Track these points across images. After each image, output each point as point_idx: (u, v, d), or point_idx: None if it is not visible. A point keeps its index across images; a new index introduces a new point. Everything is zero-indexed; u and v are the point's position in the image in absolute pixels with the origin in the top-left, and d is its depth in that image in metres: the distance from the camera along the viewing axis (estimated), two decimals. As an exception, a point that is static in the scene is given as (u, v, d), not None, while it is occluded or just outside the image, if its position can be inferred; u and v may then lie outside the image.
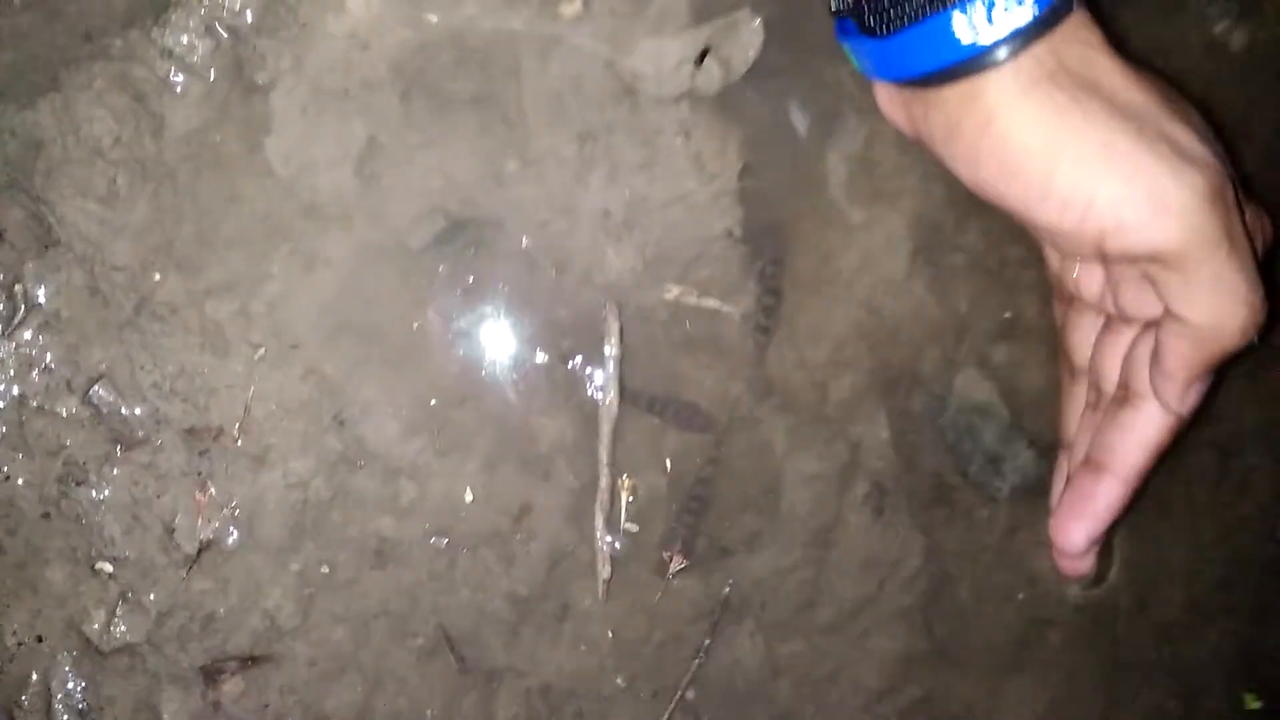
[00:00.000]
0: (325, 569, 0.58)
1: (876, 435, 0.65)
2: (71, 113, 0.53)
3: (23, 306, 0.53)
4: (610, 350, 0.59)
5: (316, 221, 0.57)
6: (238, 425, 0.56)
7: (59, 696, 0.55)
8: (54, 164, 0.53)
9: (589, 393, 0.61)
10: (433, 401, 0.59)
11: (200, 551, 0.56)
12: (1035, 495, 0.68)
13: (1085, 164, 0.45)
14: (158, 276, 0.55)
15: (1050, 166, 0.46)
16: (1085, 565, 0.57)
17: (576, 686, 0.63)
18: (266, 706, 0.58)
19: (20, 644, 0.55)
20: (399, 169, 0.57)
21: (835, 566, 0.65)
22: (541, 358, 0.60)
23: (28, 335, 0.53)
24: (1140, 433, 0.52)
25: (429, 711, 0.60)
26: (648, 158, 0.59)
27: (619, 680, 0.63)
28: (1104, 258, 0.48)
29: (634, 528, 0.61)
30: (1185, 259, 0.46)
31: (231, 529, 0.57)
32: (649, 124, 0.58)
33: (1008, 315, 0.66)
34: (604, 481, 0.61)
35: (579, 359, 0.60)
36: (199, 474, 0.56)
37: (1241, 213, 0.47)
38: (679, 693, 0.63)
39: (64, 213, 0.54)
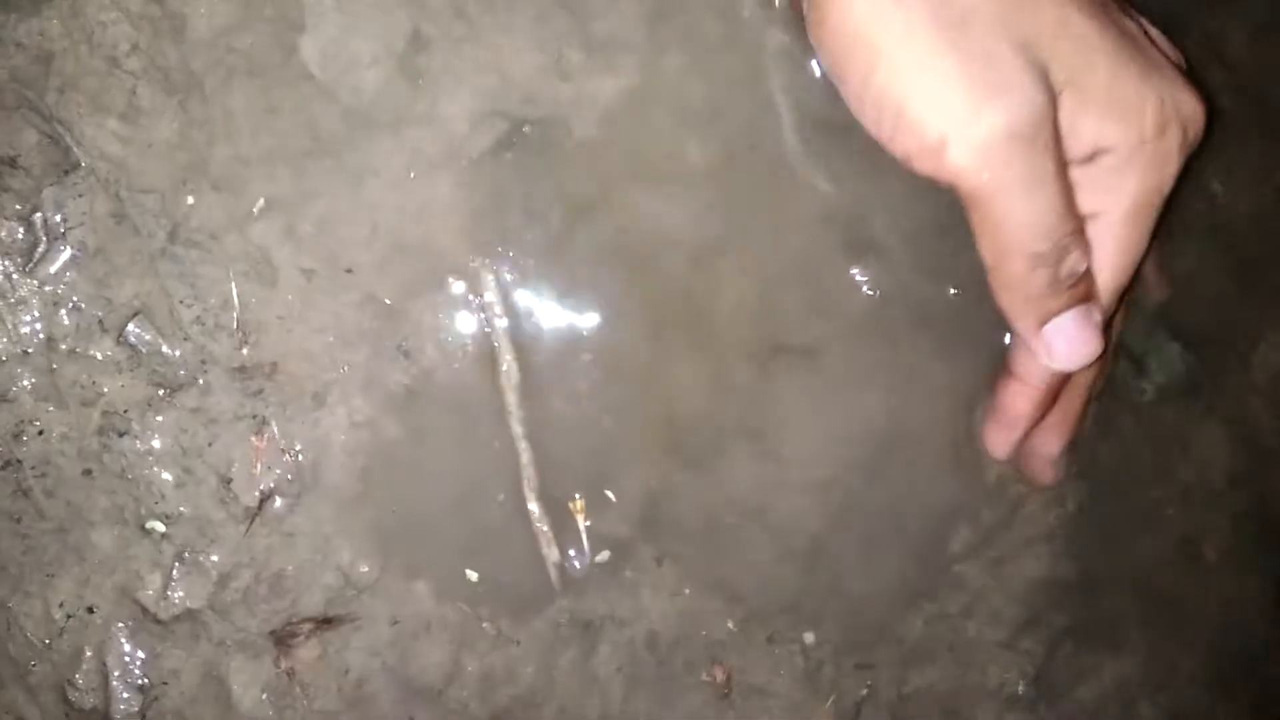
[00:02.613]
0: (401, 516, 0.47)
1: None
2: (82, 19, 0.44)
3: (44, 238, 0.44)
4: (495, 306, 0.47)
5: (362, 129, 0.46)
6: (292, 360, 0.46)
7: (116, 672, 0.45)
8: (67, 78, 0.44)
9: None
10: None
11: (261, 503, 0.46)
12: (1184, 396, 0.56)
13: (897, 74, 0.38)
14: (191, 200, 0.45)
15: (869, 66, 0.38)
16: (1045, 475, 0.51)
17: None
18: (347, 672, 0.48)
19: (69, 616, 0.45)
20: (448, 65, 0.47)
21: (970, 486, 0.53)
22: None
23: (52, 270, 0.44)
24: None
25: (528, 669, 0.50)
26: (729, 35, 0.48)
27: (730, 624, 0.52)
28: None
29: (605, 555, 0.50)
30: (973, 201, 0.39)
31: (294, 477, 0.46)
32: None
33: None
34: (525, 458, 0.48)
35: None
36: (254, 417, 0.46)
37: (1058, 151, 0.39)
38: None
39: (82, 132, 0.44)
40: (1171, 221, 0.55)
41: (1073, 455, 0.53)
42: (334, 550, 0.48)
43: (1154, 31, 0.44)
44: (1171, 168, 0.41)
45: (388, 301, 0.47)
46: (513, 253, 0.48)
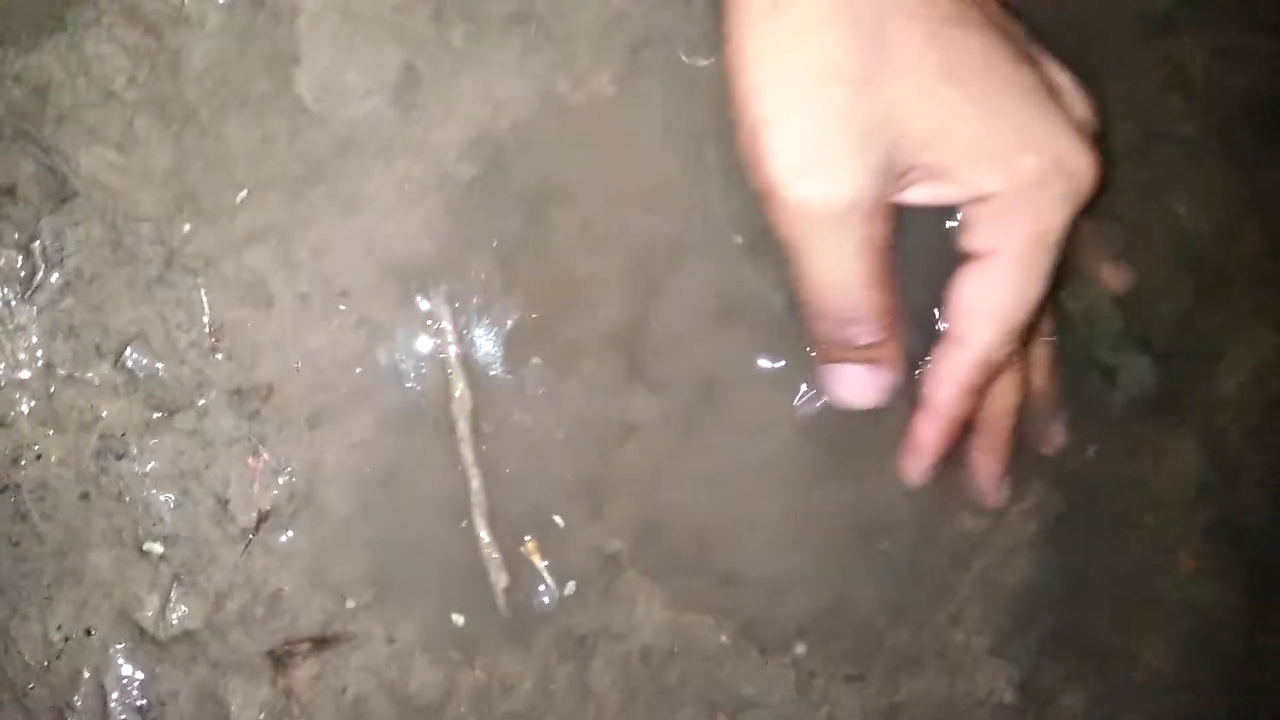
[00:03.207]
0: (397, 535, 0.47)
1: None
2: (80, 52, 0.44)
3: (42, 266, 0.44)
4: (449, 335, 0.47)
5: (355, 158, 0.47)
6: (288, 383, 0.46)
7: (114, 694, 0.45)
8: (65, 110, 0.44)
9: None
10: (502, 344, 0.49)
11: (258, 524, 0.46)
12: (1154, 408, 0.57)
13: (761, 121, 0.40)
14: (187, 227, 0.45)
15: (750, 107, 0.40)
16: (988, 497, 0.52)
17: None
18: (344, 691, 0.48)
19: (67, 638, 0.45)
20: (439, 96, 0.48)
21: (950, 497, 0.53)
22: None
23: (50, 297, 0.44)
24: (938, 366, 0.46)
25: (525, 685, 0.50)
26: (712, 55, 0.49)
27: (723, 638, 0.52)
28: None
29: (571, 587, 0.50)
30: (783, 243, 0.42)
31: (290, 498, 0.46)
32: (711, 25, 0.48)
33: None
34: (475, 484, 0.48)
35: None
36: (250, 439, 0.46)
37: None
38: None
39: (79, 162, 0.44)
40: (1138, 241, 0.57)
41: (1018, 481, 0.53)
42: (330, 570, 0.48)
43: (1064, 82, 0.45)
44: (1057, 217, 0.41)
45: (381, 323, 0.48)
46: (486, 276, 0.48)
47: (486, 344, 0.48)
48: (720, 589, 0.52)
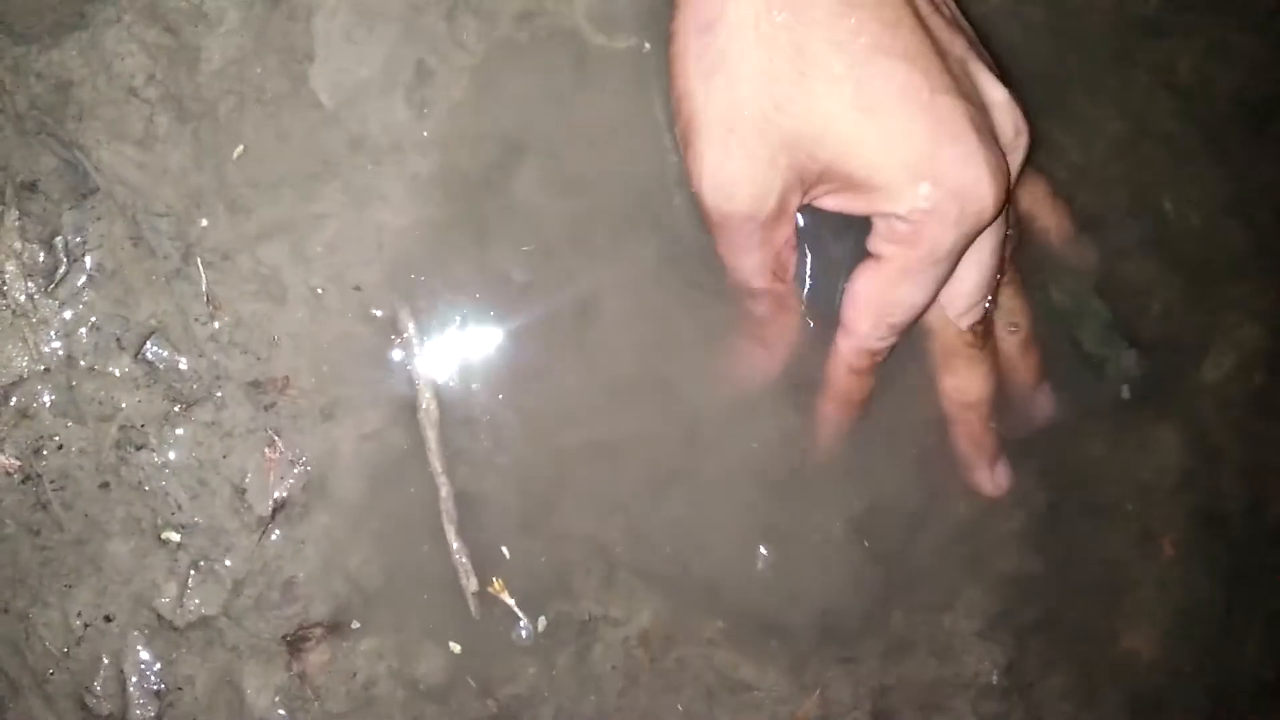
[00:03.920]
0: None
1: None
2: (100, 50, 0.44)
3: (64, 260, 0.44)
4: (414, 341, 0.48)
5: (368, 154, 0.47)
6: (303, 375, 0.47)
7: (133, 679, 0.46)
8: (85, 106, 0.45)
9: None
10: (505, 338, 0.49)
11: (274, 513, 0.47)
12: (1140, 399, 0.58)
13: (694, 128, 0.44)
14: (205, 222, 0.46)
15: (687, 118, 0.45)
16: (986, 488, 0.54)
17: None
18: (354, 675, 0.48)
19: (87, 625, 0.46)
20: (450, 93, 0.48)
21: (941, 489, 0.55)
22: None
23: (71, 291, 0.44)
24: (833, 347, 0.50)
25: (529, 670, 0.50)
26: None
27: (719, 623, 0.53)
28: None
29: (544, 621, 0.51)
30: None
31: (305, 487, 0.47)
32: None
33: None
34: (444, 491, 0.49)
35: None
36: (266, 430, 0.47)
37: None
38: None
39: (100, 158, 0.45)
40: (1127, 236, 0.58)
41: (1016, 471, 0.55)
42: (343, 557, 0.49)
43: (997, 97, 0.46)
44: (945, 239, 0.44)
45: (391, 317, 0.48)
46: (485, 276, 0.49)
47: (460, 354, 0.49)
48: (707, 587, 0.53)
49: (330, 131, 0.47)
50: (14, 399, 0.45)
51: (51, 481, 0.46)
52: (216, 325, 0.46)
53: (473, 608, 0.49)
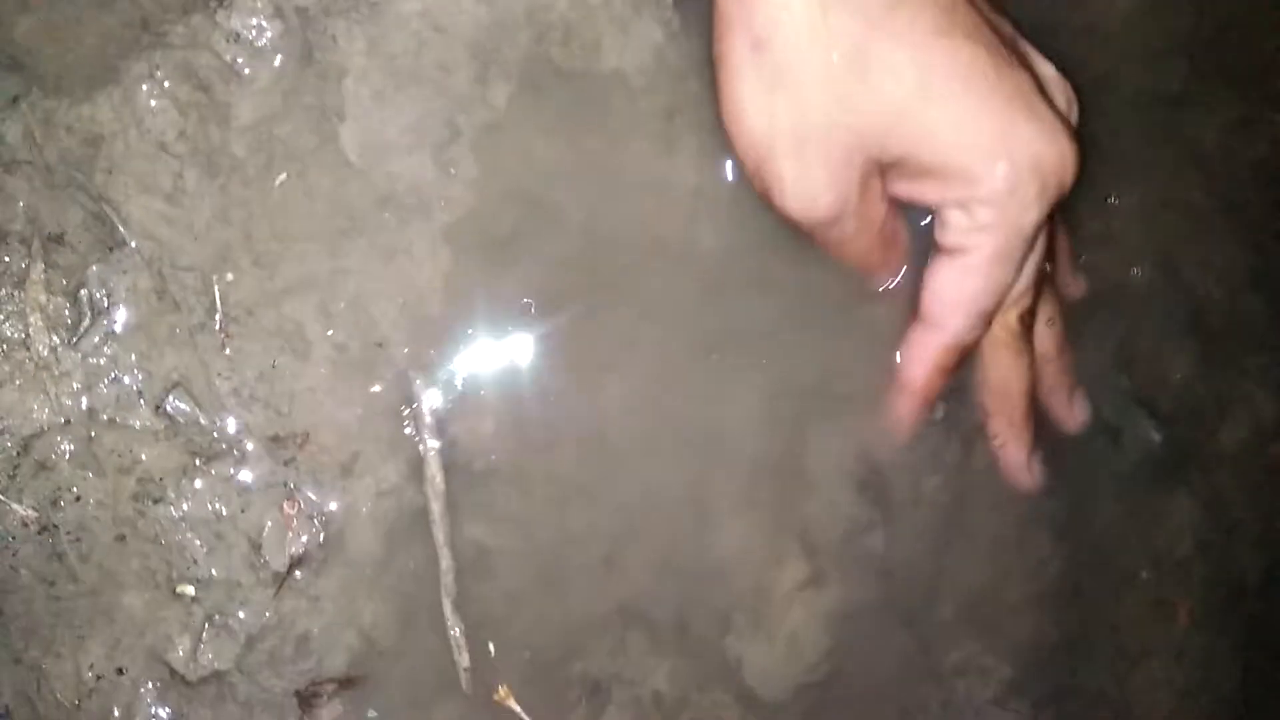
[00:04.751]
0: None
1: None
2: (132, 105, 0.44)
3: (89, 314, 0.44)
4: (424, 410, 0.47)
5: (395, 211, 0.47)
6: (323, 430, 0.46)
7: (144, 733, 0.45)
8: (115, 160, 0.44)
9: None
10: (528, 399, 0.49)
11: (290, 568, 0.46)
12: (1157, 467, 0.57)
13: (768, 153, 0.44)
14: (231, 276, 0.45)
15: (756, 145, 0.45)
16: (1023, 481, 0.53)
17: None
18: (367, 731, 0.47)
19: (99, 678, 0.45)
20: (478, 153, 0.47)
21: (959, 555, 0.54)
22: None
23: (95, 344, 0.44)
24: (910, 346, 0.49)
25: (539, 728, 0.49)
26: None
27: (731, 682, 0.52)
28: None
29: None
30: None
31: (322, 543, 0.46)
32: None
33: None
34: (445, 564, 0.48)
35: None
36: (285, 485, 0.46)
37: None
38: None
39: (128, 212, 0.44)
40: (1148, 304, 0.57)
41: (1034, 537, 0.54)
42: (357, 613, 0.48)
43: (1048, 72, 0.46)
44: (1028, 218, 0.44)
45: (415, 375, 0.47)
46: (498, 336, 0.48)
47: (477, 415, 0.48)
48: (722, 650, 0.52)
49: (358, 189, 0.47)
50: (34, 450, 0.44)
51: (68, 533, 0.45)
52: (238, 380, 0.45)
53: (464, 683, 0.48)
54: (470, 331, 0.48)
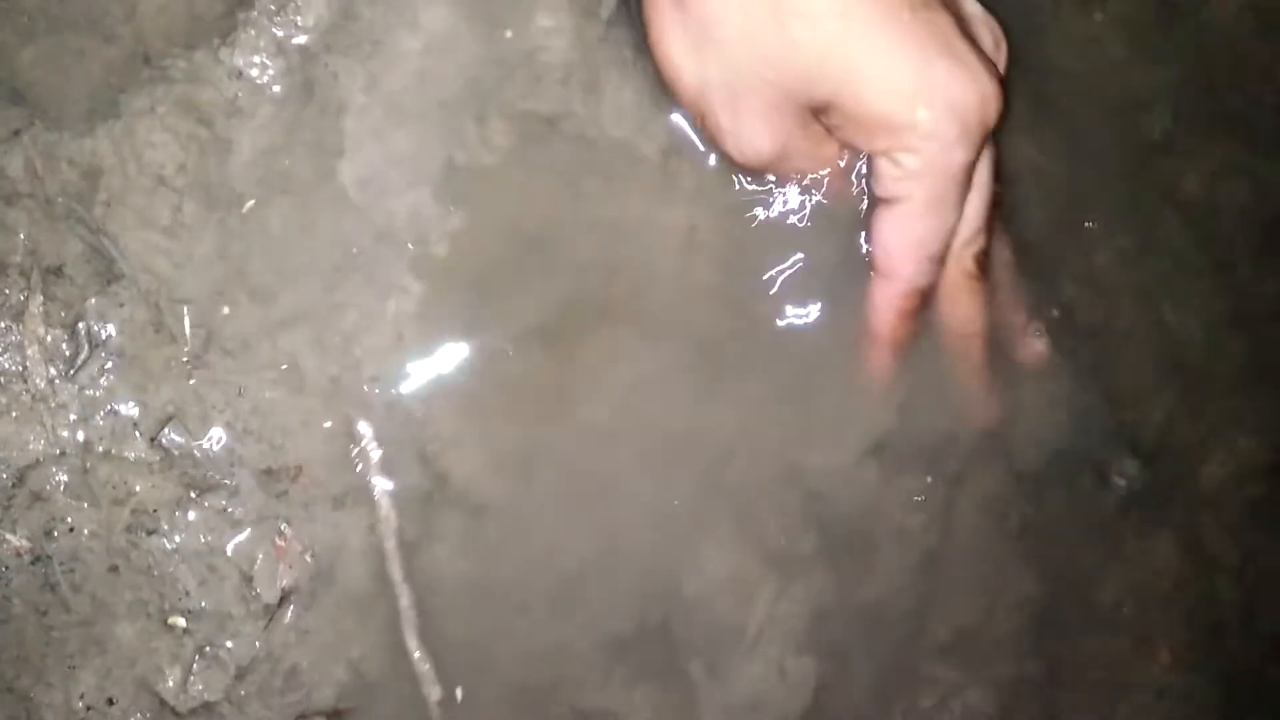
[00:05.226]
0: (413, 614, 0.47)
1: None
2: (133, 139, 0.44)
3: (86, 346, 0.44)
4: (372, 455, 0.47)
5: (392, 247, 0.47)
6: (316, 464, 0.46)
7: (133, 764, 0.44)
8: (114, 194, 0.44)
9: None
10: (518, 432, 0.49)
11: (281, 601, 0.46)
12: (1140, 506, 0.58)
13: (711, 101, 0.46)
14: (227, 309, 0.45)
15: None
16: (1034, 349, 0.54)
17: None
18: (354, 764, 0.47)
19: (89, 708, 0.44)
20: (475, 190, 0.48)
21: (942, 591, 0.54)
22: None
23: (91, 376, 0.44)
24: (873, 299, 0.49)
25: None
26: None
27: None
28: None
29: None
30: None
31: (313, 575, 0.46)
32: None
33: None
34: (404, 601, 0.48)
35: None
36: (277, 517, 0.46)
37: None
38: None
39: (126, 244, 0.44)
40: (1130, 346, 0.57)
41: (1016, 573, 0.54)
42: (346, 646, 0.48)
43: (973, 10, 0.46)
44: (955, 159, 0.44)
45: (409, 409, 0.48)
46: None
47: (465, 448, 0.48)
48: (705, 688, 0.52)
49: (356, 224, 0.47)
50: (29, 481, 0.44)
51: (61, 563, 0.45)
52: (233, 413, 0.45)
53: (435, 717, 0.48)
54: (462, 366, 0.48)
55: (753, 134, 0.44)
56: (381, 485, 0.47)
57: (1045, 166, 0.55)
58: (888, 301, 0.48)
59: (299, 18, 0.44)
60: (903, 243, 0.46)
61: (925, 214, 0.45)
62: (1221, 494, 0.60)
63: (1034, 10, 0.57)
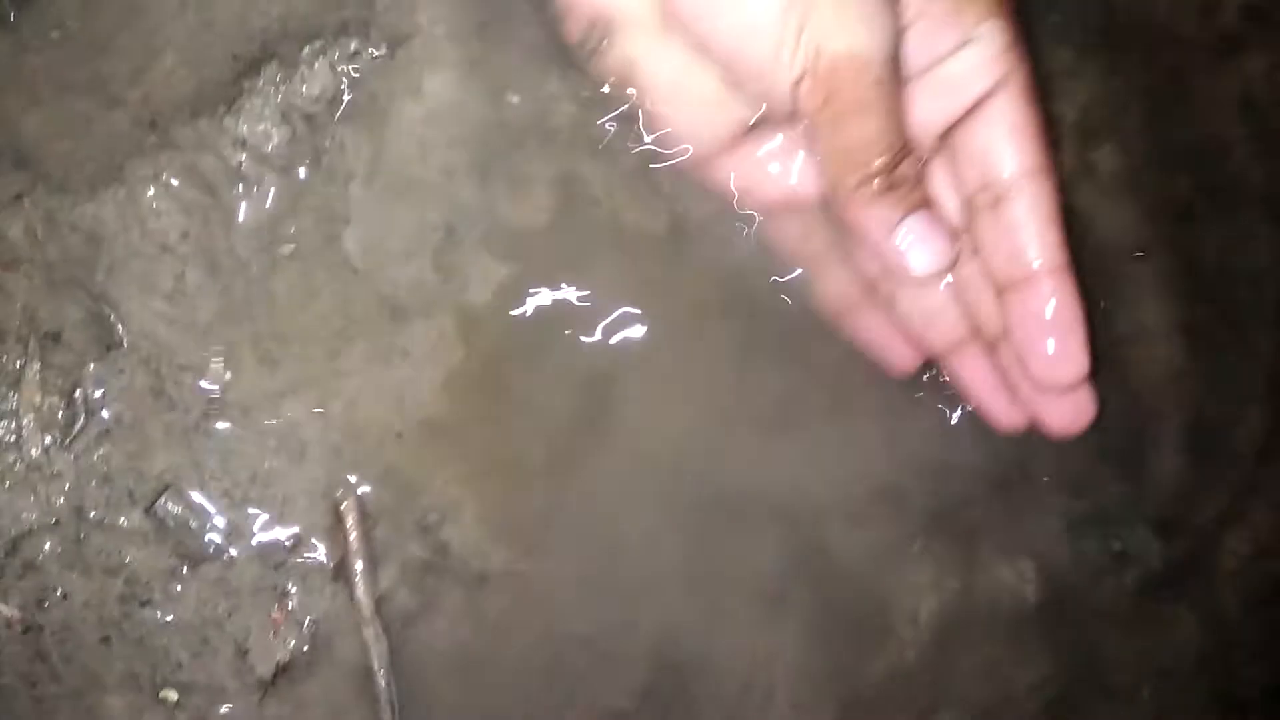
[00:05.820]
0: (409, 688, 0.46)
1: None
2: (136, 206, 0.44)
3: (82, 414, 0.43)
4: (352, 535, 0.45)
5: (395, 314, 0.46)
6: (314, 534, 0.45)
7: (119, 841, 0.43)
8: (116, 260, 0.44)
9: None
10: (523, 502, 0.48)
11: (275, 675, 0.44)
12: (1159, 584, 0.56)
13: None
14: (228, 376, 0.44)
15: None
16: (1079, 415, 0.42)
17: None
18: (346, 842, 0.46)
19: (77, 784, 0.43)
20: (479, 259, 0.47)
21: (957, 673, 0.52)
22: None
23: (87, 444, 0.43)
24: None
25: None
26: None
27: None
28: None
29: None
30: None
31: (309, 648, 0.45)
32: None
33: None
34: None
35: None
36: (274, 589, 0.45)
37: None
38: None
39: (127, 311, 0.44)
40: (1151, 417, 0.56)
41: (1034, 654, 0.52)
42: (342, 718, 0.46)
43: None
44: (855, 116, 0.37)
45: (410, 478, 0.47)
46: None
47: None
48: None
49: (359, 291, 0.46)
50: (22, 550, 0.43)
51: (53, 633, 0.44)
52: (231, 481, 0.44)
53: None
54: (463, 434, 0.47)
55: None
56: (357, 566, 0.45)
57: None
58: (857, 207, 0.38)
59: (304, 87, 0.44)
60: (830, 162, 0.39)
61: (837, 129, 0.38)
62: (1243, 570, 0.59)
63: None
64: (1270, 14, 0.58)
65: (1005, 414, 0.44)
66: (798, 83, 0.37)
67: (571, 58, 0.43)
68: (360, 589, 0.45)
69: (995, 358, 0.43)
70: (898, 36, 0.38)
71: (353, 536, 0.44)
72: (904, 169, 0.38)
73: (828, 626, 0.52)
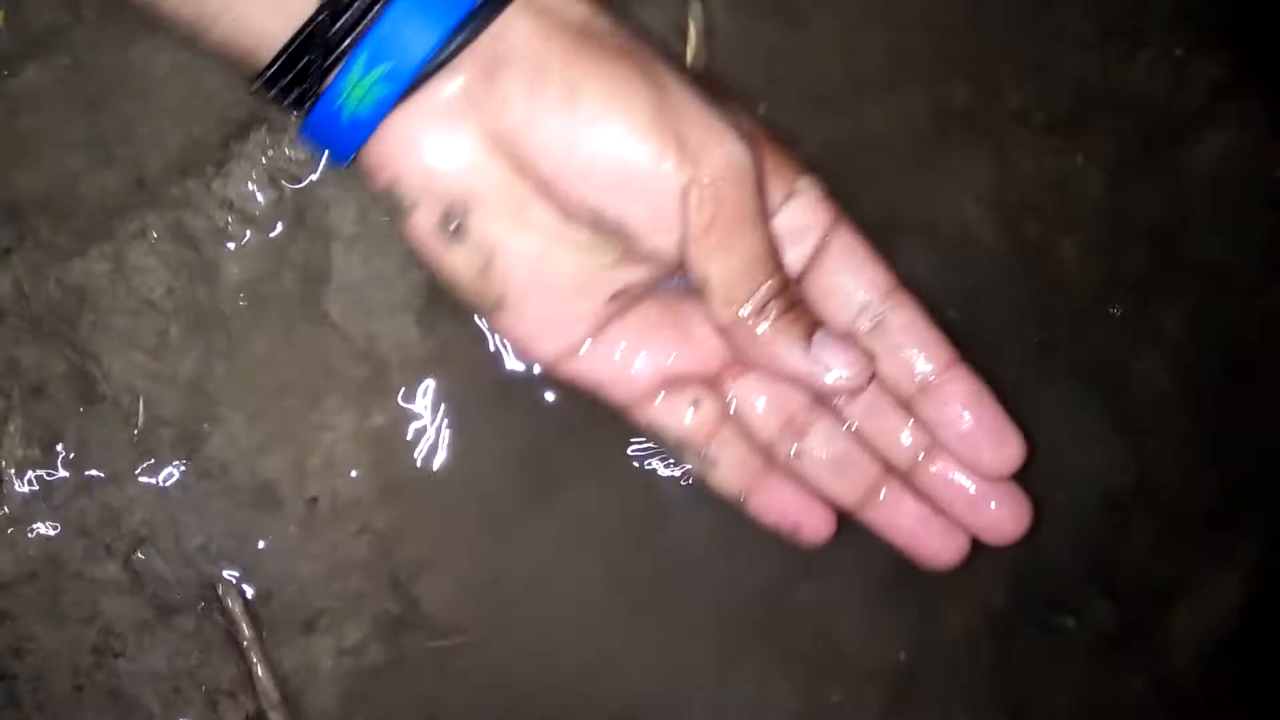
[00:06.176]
0: None
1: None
2: (123, 262, 0.44)
3: (61, 468, 0.43)
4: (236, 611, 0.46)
5: (374, 369, 0.47)
6: (288, 587, 0.46)
7: None
8: (101, 314, 0.44)
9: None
10: (498, 560, 0.48)
11: (245, 725, 0.45)
12: (1113, 648, 0.57)
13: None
14: (208, 429, 0.45)
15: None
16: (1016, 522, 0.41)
17: None
18: None
19: (44, 834, 0.43)
20: (460, 317, 0.48)
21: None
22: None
23: (66, 496, 0.44)
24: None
25: None
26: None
27: None
28: None
29: None
30: None
31: (280, 699, 0.45)
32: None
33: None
34: None
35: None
36: (246, 641, 0.45)
37: None
38: None
39: (110, 365, 0.44)
40: (1105, 485, 0.57)
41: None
42: (311, 769, 0.47)
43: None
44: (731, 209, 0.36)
45: (383, 531, 0.47)
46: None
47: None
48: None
49: (338, 347, 0.47)
50: (-2, 600, 0.43)
51: (26, 681, 0.44)
52: (206, 536, 0.45)
53: None
54: (438, 490, 0.48)
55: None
56: (248, 633, 0.46)
57: (1022, 309, 0.55)
58: (746, 331, 0.38)
59: (291, 151, 0.44)
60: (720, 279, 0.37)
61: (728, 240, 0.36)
62: (1194, 633, 0.60)
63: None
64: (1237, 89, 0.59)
65: (940, 546, 0.41)
66: (685, 191, 0.35)
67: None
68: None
69: (914, 487, 0.41)
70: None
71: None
72: (794, 289, 0.38)
73: (787, 686, 0.52)
